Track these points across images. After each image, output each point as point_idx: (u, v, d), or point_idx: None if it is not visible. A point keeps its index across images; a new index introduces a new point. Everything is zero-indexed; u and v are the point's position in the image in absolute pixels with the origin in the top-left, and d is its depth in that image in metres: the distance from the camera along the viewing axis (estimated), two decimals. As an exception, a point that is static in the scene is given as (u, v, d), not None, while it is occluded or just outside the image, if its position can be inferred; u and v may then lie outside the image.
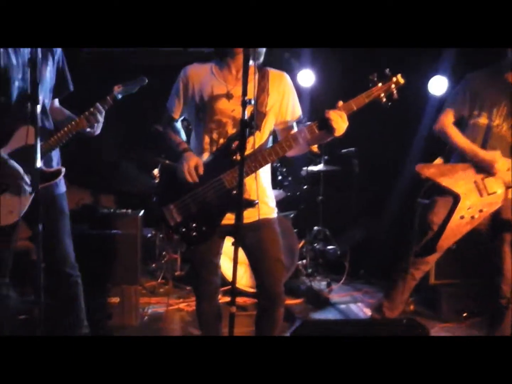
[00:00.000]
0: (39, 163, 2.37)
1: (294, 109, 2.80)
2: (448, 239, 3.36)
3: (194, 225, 2.68)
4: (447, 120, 3.42)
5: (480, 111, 3.36)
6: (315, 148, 2.72)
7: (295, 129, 2.78)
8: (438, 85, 5.46)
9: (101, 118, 2.81)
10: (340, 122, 2.48)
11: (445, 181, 3.31)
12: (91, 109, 2.78)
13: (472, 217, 3.29)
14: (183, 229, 2.70)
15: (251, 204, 2.65)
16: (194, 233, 2.68)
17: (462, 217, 3.28)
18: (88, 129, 2.82)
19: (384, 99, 2.56)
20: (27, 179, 2.69)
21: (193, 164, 2.64)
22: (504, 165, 3.28)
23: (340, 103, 2.53)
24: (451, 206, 3.31)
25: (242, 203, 2.29)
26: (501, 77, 3.39)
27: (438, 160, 3.48)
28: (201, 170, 2.64)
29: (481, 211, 3.30)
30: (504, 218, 3.36)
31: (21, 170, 2.69)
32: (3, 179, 2.70)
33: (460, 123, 3.46)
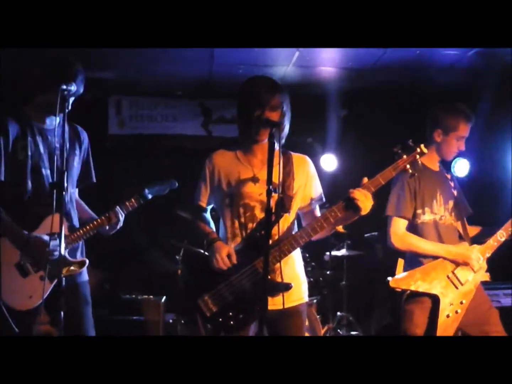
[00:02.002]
0: (63, 251, 2.37)
1: (317, 193, 2.81)
2: None
3: (231, 313, 2.62)
4: (400, 229, 3.18)
5: (423, 208, 3.23)
6: (340, 228, 2.70)
7: (318, 212, 2.79)
8: (461, 167, 5.53)
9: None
10: (365, 201, 2.49)
11: (421, 287, 3.17)
12: (121, 206, 2.88)
13: (457, 312, 3.17)
14: (220, 319, 2.63)
15: (286, 287, 2.61)
16: (231, 322, 2.62)
17: (448, 316, 3.16)
18: (107, 227, 2.89)
19: (410, 170, 2.60)
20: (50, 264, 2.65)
21: (225, 254, 2.62)
22: (475, 255, 3.21)
23: (365, 179, 2.55)
24: (431, 310, 3.16)
25: (269, 289, 2.33)
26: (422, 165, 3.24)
27: (400, 263, 3.32)
28: (234, 259, 2.62)
29: (461, 303, 3.19)
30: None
31: (46, 254, 2.62)
32: (27, 259, 2.69)
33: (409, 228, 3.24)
